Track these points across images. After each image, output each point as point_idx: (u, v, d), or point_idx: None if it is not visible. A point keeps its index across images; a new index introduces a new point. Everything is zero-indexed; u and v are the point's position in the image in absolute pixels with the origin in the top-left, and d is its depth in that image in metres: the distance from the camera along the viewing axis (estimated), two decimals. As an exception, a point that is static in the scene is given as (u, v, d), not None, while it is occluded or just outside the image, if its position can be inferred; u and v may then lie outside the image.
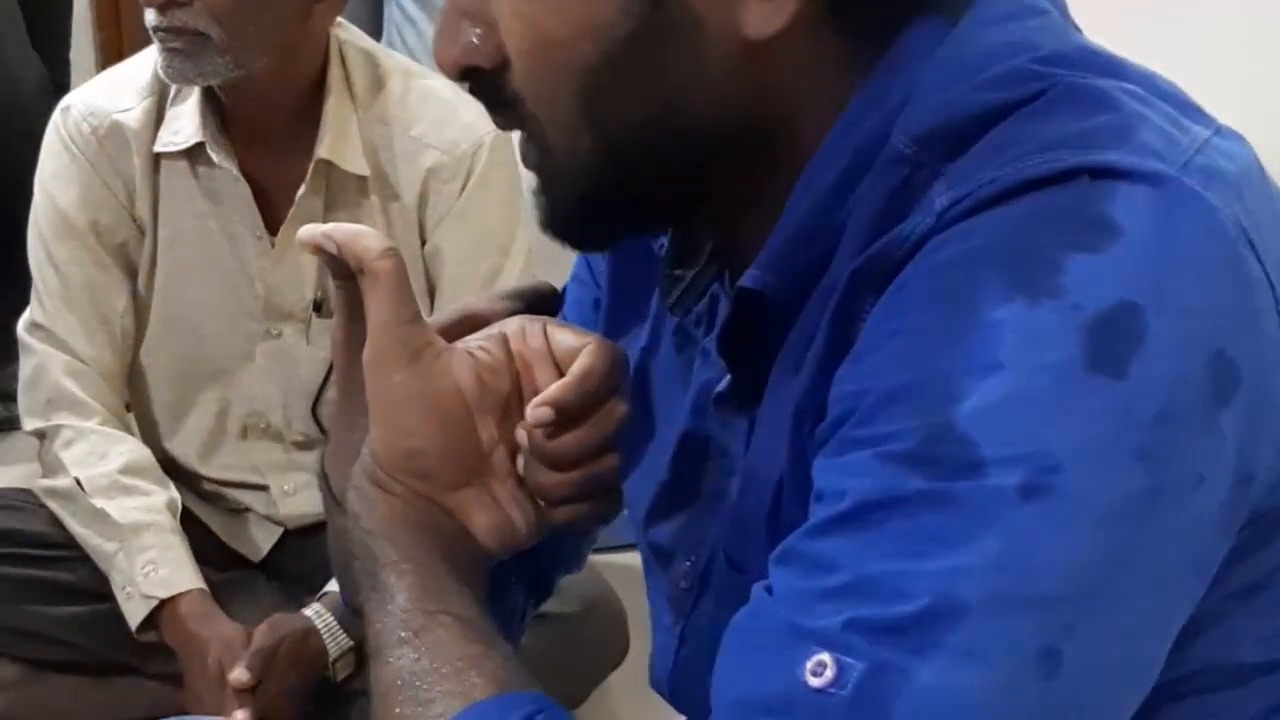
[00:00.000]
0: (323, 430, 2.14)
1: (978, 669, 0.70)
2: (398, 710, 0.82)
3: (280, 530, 2.21)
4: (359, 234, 0.87)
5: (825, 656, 0.71)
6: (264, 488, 2.18)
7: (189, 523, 2.10)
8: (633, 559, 2.56)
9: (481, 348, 0.90)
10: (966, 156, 0.78)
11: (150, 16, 1.89)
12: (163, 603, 1.99)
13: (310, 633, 1.99)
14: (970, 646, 0.70)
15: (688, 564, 0.96)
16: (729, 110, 0.84)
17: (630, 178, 0.85)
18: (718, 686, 0.77)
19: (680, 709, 1.00)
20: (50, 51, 3.35)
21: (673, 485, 0.97)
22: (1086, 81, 0.79)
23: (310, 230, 0.89)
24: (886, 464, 0.73)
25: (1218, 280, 0.74)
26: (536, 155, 0.87)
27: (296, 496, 2.17)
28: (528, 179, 0.90)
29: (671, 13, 0.81)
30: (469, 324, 0.94)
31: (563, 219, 0.88)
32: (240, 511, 2.21)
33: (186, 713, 1.90)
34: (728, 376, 0.91)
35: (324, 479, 0.96)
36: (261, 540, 2.21)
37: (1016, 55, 0.81)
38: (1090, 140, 0.76)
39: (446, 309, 0.96)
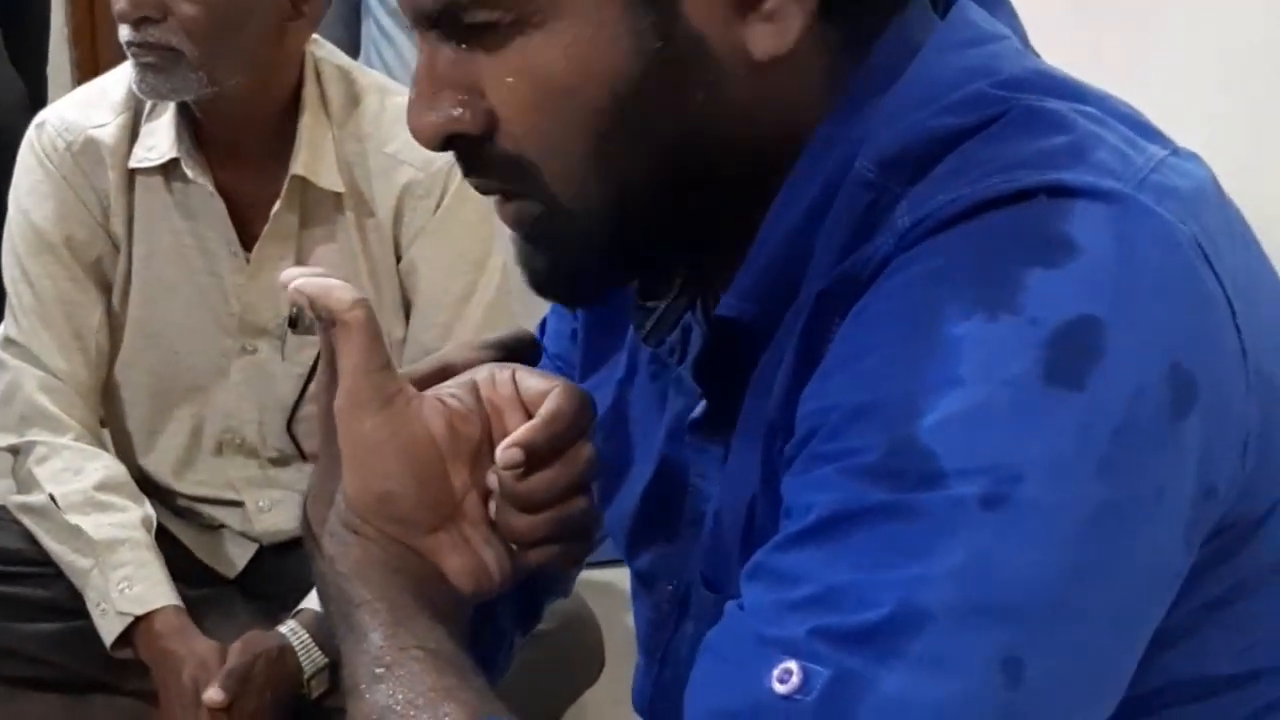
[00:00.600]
0: (298, 447, 2.14)
1: (941, 677, 0.71)
2: None
3: (255, 546, 2.20)
4: (329, 287, 0.88)
5: (791, 664, 0.72)
6: (239, 504, 2.18)
7: (164, 539, 2.09)
8: (609, 576, 2.58)
9: (452, 395, 0.91)
10: (928, 179, 0.79)
11: (124, 32, 1.89)
12: (138, 619, 1.99)
13: (285, 650, 1.98)
14: (933, 655, 0.71)
15: (669, 588, 0.98)
16: (741, 138, 0.85)
17: (647, 221, 0.86)
18: (689, 701, 0.77)
19: None
20: (28, 67, 3.35)
21: (651, 513, 0.98)
22: (1043, 104, 0.81)
23: (286, 276, 0.89)
24: (851, 478, 0.74)
25: (1174, 295, 0.75)
26: (537, 214, 0.87)
27: (272, 512, 2.17)
28: (512, 242, 0.89)
29: (680, 45, 0.82)
30: (445, 376, 0.95)
31: (569, 277, 0.89)
32: (215, 528, 2.21)
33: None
34: (702, 403, 0.92)
35: (306, 524, 0.96)
36: (237, 556, 2.21)
37: (975, 80, 0.82)
38: (1047, 161, 0.77)
39: (424, 361, 0.97)
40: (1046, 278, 0.73)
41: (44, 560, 2.05)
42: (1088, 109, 0.81)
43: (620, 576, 2.64)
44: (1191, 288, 0.76)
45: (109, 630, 1.99)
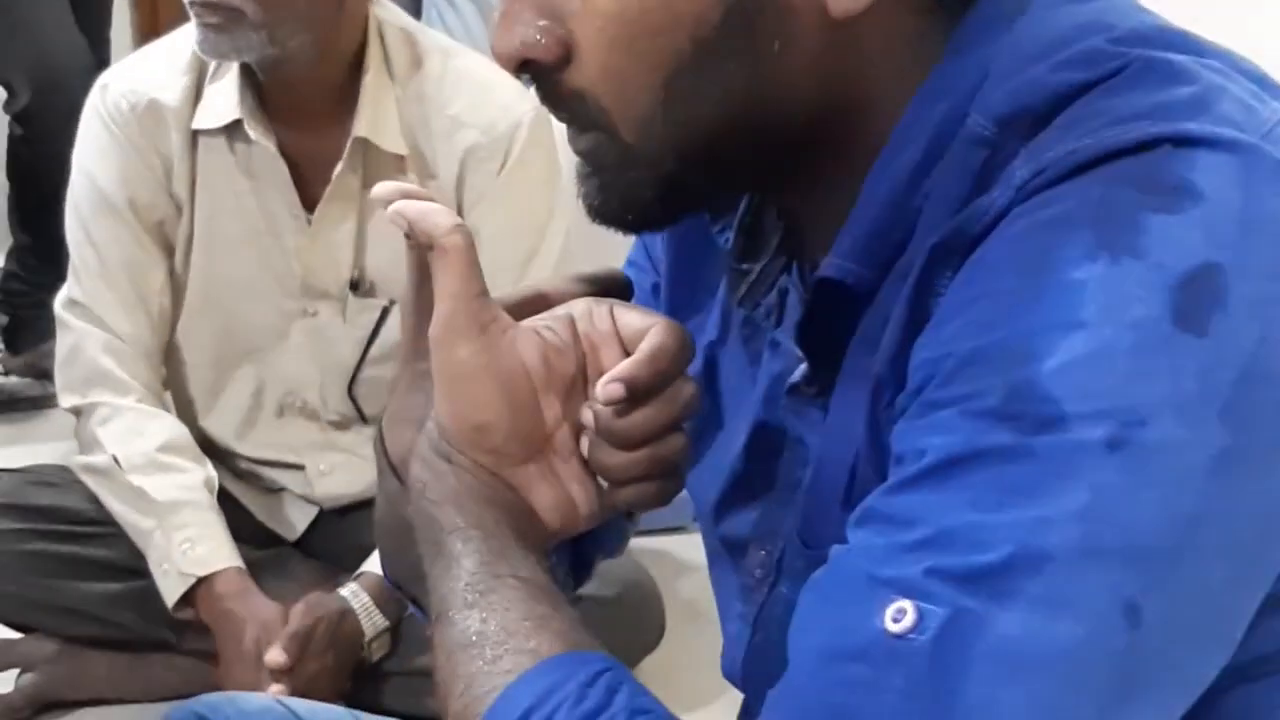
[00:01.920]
0: (359, 410, 2.14)
1: (1060, 618, 0.70)
2: (463, 669, 0.82)
3: (316, 510, 2.21)
4: (428, 211, 0.87)
5: (905, 603, 0.71)
6: (300, 467, 2.19)
7: (225, 501, 2.10)
8: (670, 544, 2.58)
9: (548, 327, 0.90)
10: (1046, 132, 0.78)
11: None
12: (200, 580, 2.00)
13: (346, 613, 1.99)
14: (1052, 596, 0.70)
15: (763, 553, 0.97)
16: (811, 93, 0.84)
17: (709, 165, 0.85)
18: (795, 639, 0.76)
19: (754, 697, 0.99)
20: (92, 30, 3.36)
21: (746, 476, 0.98)
22: (1164, 56, 0.79)
23: (388, 189, 0.89)
24: (968, 420, 0.73)
25: None
26: (599, 146, 0.86)
27: (332, 476, 2.18)
28: (573, 163, 0.89)
29: None
30: (537, 304, 0.93)
31: (622, 206, 0.88)
32: (276, 490, 2.22)
33: (221, 689, 1.90)
34: (802, 366, 0.91)
35: (380, 442, 0.96)
36: (297, 519, 2.22)
37: (1092, 35, 0.81)
38: (1170, 111, 0.76)
39: (516, 288, 0.95)
40: (1171, 223, 0.72)
41: (106, 520, 2.07)
42: (1210, 61, 0.80)
43: (676, 544, 2.66)
44: None
45: (171, 590, 2.00)
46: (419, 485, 0.89)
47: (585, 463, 0.91)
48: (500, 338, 0.87)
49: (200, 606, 2.01)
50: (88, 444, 2.09)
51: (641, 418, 0.89)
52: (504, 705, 0.79)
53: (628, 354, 0.90)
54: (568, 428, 0.91)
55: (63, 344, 2.12)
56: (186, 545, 2.00)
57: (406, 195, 0.88)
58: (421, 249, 0.89)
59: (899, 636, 0.71)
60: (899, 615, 0.71)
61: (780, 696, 0.76)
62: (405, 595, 0.99)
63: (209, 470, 2.09)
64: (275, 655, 1.93)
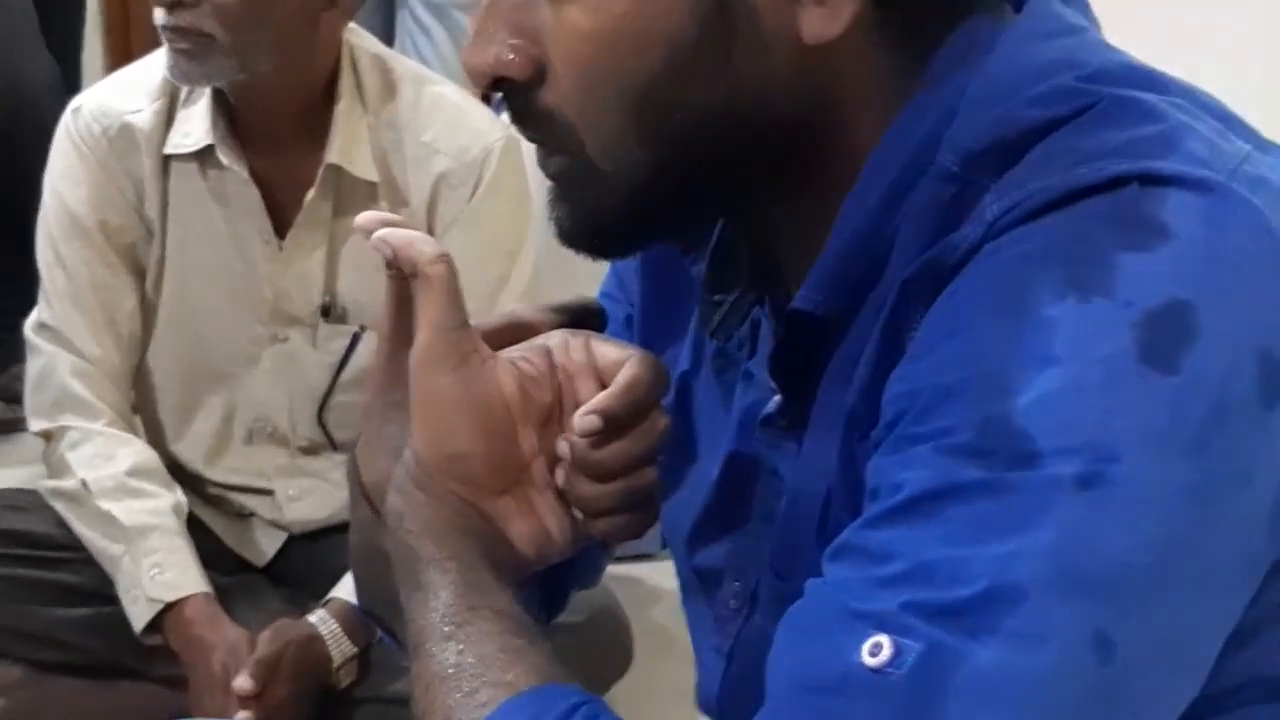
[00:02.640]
0: (329, 436, 2.14)
1: (1034, 652, 0.71)
2: (441, 701, 0.82)
3: (285, 535, 2.20)
4: (413, 239, 0.87)
5: (882, 638, 0.72)
6: (269, 492, 2.18)
7: (193, 526, 2.09)
8: (638, 571, 2.57)
9: (525, 358, 0.90)
10: (1016, 169, 0.79)
11: (159, 16, 1.90)
12: (168, 606, 1.99)
13: (314, 639, 1.98)
14: (1027, 630, 0.71)
15: (737, 584, 0.97)
16: (782, 117, 0.84)
17: (677, 187, 0.86)
18: (772, 673, 0.77)
19: None
20: (63, 53, 3.36)
21: (720, 508, 0.98)
22: (1132, 94, 0.80)
23: (369, 219, 0.89)
24: (943, 457, 0.73)
25: (1266, 282, 0.75)
26: (568, 167, 0.87)
27: (301, 501, 2.17)
28: (544, 187, 0.89)
29: (734, 17, 0.82)
30: (513, 331, 0.94)
31: (591, 230, 0.88)
32: (245, 516, 2.21)
33: (190, 716, 1.90)
34: (776, 398, 0.91)
35: (354, 471, 0.96)
36: (266, 545, 2.21)
37: (1060, 73, 0.82)
38: (1138, 150, 0.77)
39: (492, 315, 0.96)
40: (1139, 261, 0.73)
41: (74, 545, 2.06)
42: (1176, 100, 0.81)
43: (647, 571, 2.66)
44: None
45: (139, 616, 2.00)
46: (395, 515, 0.89)
47: (561, 494, 0.91)
48: (480, 368, 0.88)
49: (168, 632, 2.00)
50: (57, 468, 2.08)
51: (617, 449, 0.89)
52: None
53: (603, 386, 0.90)
54: (543, 459, 0.91)
55: (33, 367, 2.11)
56: (155, 571, 2.00)
57: (387, 224, 0.88)
58: (401, 278, 0.89)
59: (876, 670, 0.71)
60: (876, 649, 0.72)
61: None
62: (379, 624, 0.99)
63: (178, 495, 2.08)
64: (242, 682, 1.92)
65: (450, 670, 0.82)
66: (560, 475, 0.91)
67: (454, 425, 0.87)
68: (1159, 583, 0.72)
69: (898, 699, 0.71)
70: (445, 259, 0.87)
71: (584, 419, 0.88)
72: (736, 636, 0.97)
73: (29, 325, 2.12)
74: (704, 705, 1.02)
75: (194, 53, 1.89)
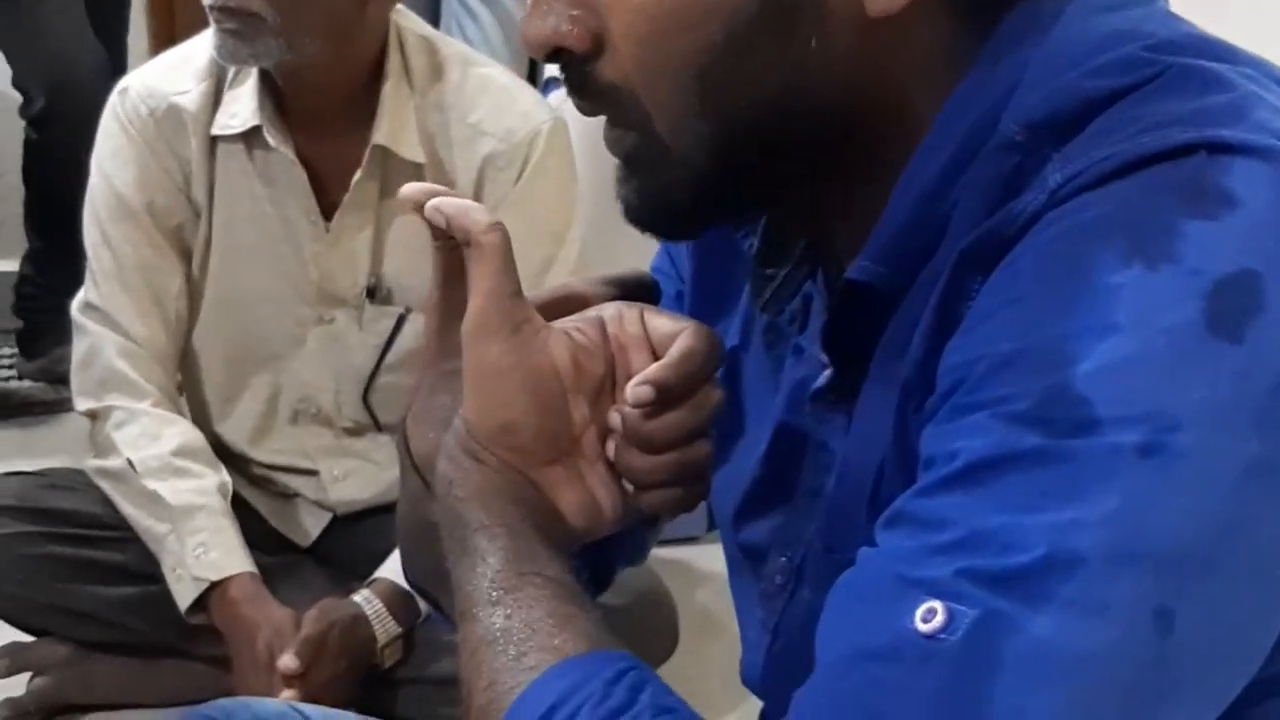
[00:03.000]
0: (374, 417, 2.14)
1: (1091, 623, 0.69)
2: (487, 665, 0.82)
3: (329, 515, 2.21)
4: (467, 208, 0.87)
5: (935, 604, 0.71)
6: (314, 473, 2.19)
7: (238, 506, 2.10)
8: (685, 554, 2.58)
9: (578, 329, 0.90)
10: (1081, 138, 0.77)
11: None
12: (213, 585, 2.00)
13: (359, 619, 1.99)
14: (1084, 600, 0.69)
15: (783, 559, 0.96)
16: (844, 92, 0.83)
17: (742, 164, 0.85)
18: (823, 640, 0.76)
19: (773, 704, 0.99)
20: (109, 36, 3.37)
21: (767, 483, 0.97)
22: (1200, 63, 0.79)
23: (418, 191, 0.89)
24: (1000, 423, 0.72)
25: None
26: (634, 144, 0.86)
27: (346, 482, 2.17)
28: (590, 170, 0.89)
29: None
30: (567, 303, 0.93)
31: (659, 209, 0.88)
32: (290, 496, 2.22)
33: (234, 695, 1.90)
34: (827, 372, 0.91)
35: (403, 440, 0.95)
36: (310, 525, 2.22)
37: (1127, 43, 0.80)
38: (1206, 118, 0.76)
39: (546, 287, 0.95)
40: (1206, 229, 0.72)
41: (120, 524, 2.07)
42: (1246, 70, 0.80)
43: (693, 554, 2.66)
44: None
45: (184, 595, 2.00)
46: (445, 482, 0.89)
47: (611, 466, 0.91)
48: (533, 337, 0.87)
49: (213, 611, 2.01)
50: (103, 448, 2.09)
51: (669, 421, 0.89)
52: (528, 701, 0.79)
53: (657, 358, 0.90)
54: (595, 430, 0.90)
55: (79, 347, 2.12)
56: (200, 550, 2.00)
57: (434, 195, 0.88)
58: (450, 250, 0.89)
59: (929, 637, 0.70)
60: (929, 615, 0.71)
61: (807, 695, 0.75)
62: (426, 597, 0.99)
63: (223, 475, 2.09)
64: (288, 661, 1.93)
65: (498, 634, 0.82)
66: (611, 447, 0.90)
67: (506, 394, 0.87)
68: (1221, 557, 0.71)
69: (950, 665, 0.70)
70: (499, 227, 0.86)
71: (637, 389, 0.87)
72: (782, 612, 0.96)
73: (75, 305, 2.13)
74: (747, 680, 1.01)
75: (242, 33, 1.89)
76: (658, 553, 2.45)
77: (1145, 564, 0.70)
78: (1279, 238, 0.72)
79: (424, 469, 0.93)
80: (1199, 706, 0.74)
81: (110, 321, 2.08)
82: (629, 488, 0.91)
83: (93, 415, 2.10)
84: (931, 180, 0.82)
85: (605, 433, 0.91)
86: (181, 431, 2.08)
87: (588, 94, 0.86)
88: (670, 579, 2.23)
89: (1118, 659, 0.70)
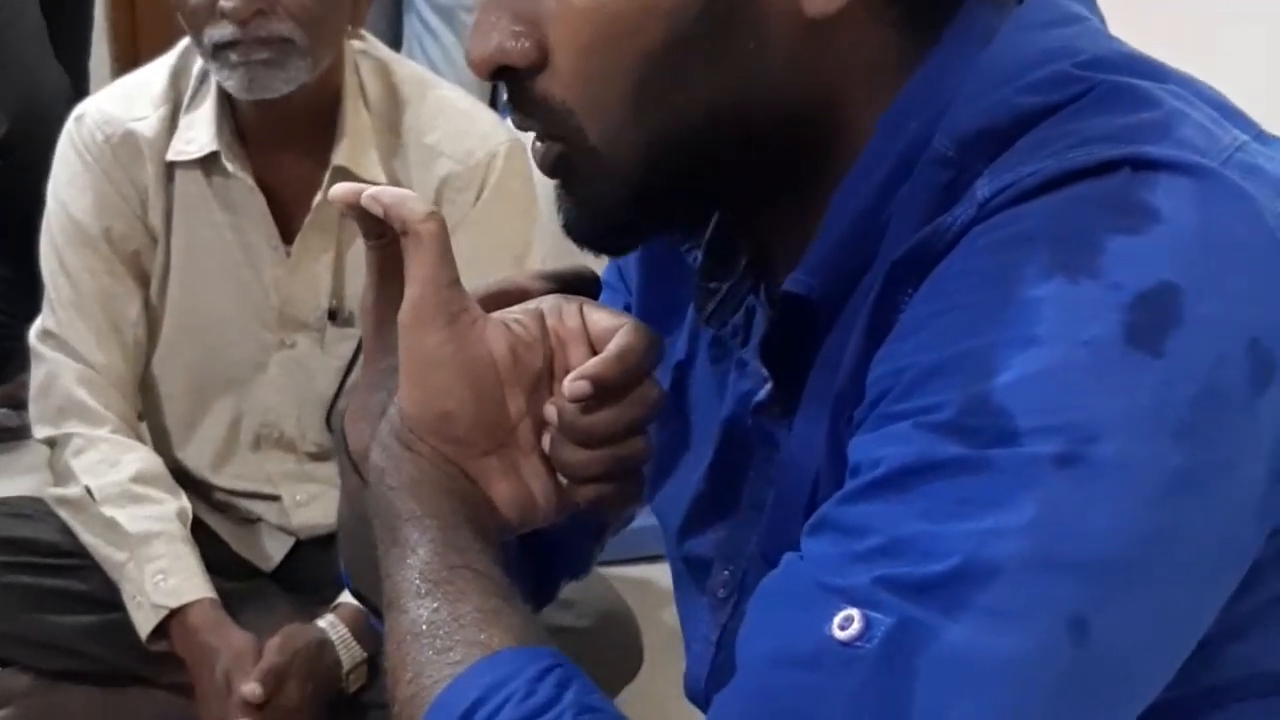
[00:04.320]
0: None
1: (1006, 631, 0.70)
2: (413, 657, 0.82)
3: (292, 540, 2.20)
4: (404, 197, 0.87)
5: (853, 612, 0.72)
6: (276, 498, 2.17)
7: (200, 532, 2.10)
8: (647, 572, 2.57)
9: (517, 320, 0.90)
10: (1009, 153, 0.79)
11: (224, 31, 1.86)
12: (173, 612, 1.99)
13: (324, 645, 1.98)
14: (1000, 608, 0.70)
15: (726, 572, 0.97)
16: (782, 99, 0.84)
17: (676, 172, 0.85)
18: (743, 644, 0.77)
19: None
20: (71, 61, 3.36)
21: (712, 496, 0.98)
22: (1128, 81, 0.80)
23: (351, 189, 0.89)
24: (923, 432, 0.73)
25: (1257, 268, 0.75)
26: (569, 158, 0.87)
27: (309, 507, 2.16)
28: (549, 183, 0.89)
29: None
30: (507, 298, 0.93)
31: (595, 220, 0.88)
32: (252, 521, 2.20)
33: (198, 722, 1.90)
34: (768, 385, 0.91)
35: (342, 438, 0.95)
36: (273, 550, 2.20)
37: (1058, 60, 0.81)
38: (1132, 135, 0.77)
39: (483, 283, 0.95)
40: (1128, 244, 0.73)
41: (81, 553, 2.06)
42: (1173, 88, 0.81)
43: (657, 573, 2.65)
44: (1274, 264, 0.75)
45: (144, 623, 2.00)
46: (378, 471, 0.89)
47: (546, 459, 0.91)
48: (470, 327, 0.87)
49: (174, 638, 2.00)
50: (61, 475, 2.08)
51: (605, 417, 0.89)
52: (452, 696, 0.79)
53: (595, 353, 0.90)
54: (530, 422, 0.90)
55: (37, 375, 2.11)
56: (159, 577, 1.99)
57: (364, 192, 0.88)
58: (384, 247, 0.90)
59: (846, 644, 0.71)
60: (846, 623, 0.72)
61: (728, 698, 0.76)
62: (365, 603, 0.99)
63: (183, 501, 2.08)
64: (251, 689, 1.92)
65: (424, 627, 0.82)
66: (547, 439, 0.91)
67: (441, 383, 0.87)
68: (1138, 567, 0.72)
69: (867, 673, 0.71)
70: (436, 216, 0.87)
71: (574, 384, 0.87)
72: (725, 625, 0.97)
73: (33, 333, 2.11)
74: (691, 694, 1.02)
75: (275, 60, 1.88)
76: (620, 571, 2.45)
77: (1060, 573, 0.71)
78: (1201, 252, 0.73)
79: (362, 467, 0.92)
80: (1119, 709, 0.75)
81: (68, 349, 2.07)
82: (563, 481, 0.91)
83: (51, 443, 2.09)
84: (867, 195, 0.83)
85: (541, 425, 0.91)
86: (140, 458, 2.07)
87: (528, 110, 0.86)
88: (633, 598, 2.22)
89: (1033, 667, 0.70)
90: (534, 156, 0.89)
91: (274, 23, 1.86)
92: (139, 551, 2.00)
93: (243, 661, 1.95)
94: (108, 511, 2.02)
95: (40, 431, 2.10)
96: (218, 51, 1.88)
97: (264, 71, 1.88)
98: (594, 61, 0.83)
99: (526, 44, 0.84)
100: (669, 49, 0.82)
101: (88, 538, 2.04)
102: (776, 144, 0.85)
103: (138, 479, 2.05)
